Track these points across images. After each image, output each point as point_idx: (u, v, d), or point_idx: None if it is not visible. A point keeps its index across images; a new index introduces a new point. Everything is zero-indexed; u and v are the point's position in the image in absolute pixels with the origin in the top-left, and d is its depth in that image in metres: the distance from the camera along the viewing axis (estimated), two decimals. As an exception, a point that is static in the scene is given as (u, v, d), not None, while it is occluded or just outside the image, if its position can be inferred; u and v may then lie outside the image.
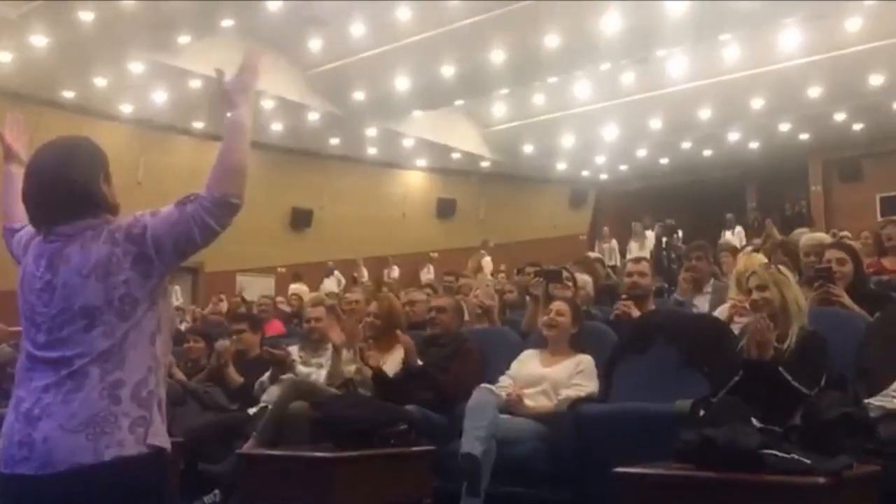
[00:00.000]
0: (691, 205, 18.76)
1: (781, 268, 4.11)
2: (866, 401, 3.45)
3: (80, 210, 2.20)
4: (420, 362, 5.14)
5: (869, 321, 4.27)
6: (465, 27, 12.65)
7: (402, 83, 14.48)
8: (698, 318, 5.08)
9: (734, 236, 15.58)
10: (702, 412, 3.53)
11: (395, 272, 17.93)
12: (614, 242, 18.23)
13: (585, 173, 20.88)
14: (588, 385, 4.66)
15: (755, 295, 3.90)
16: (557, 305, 5.01)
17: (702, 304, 5.78)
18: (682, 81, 15.07)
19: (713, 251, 7.08)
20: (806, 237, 6.17)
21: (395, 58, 13.70)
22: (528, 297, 6.11)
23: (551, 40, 12.81)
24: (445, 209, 20.13)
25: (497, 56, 13.37)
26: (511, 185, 20.15)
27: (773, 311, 3.80)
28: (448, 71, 13.92)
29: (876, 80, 14.33)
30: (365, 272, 17.61)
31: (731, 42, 14.03)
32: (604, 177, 21.25)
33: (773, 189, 19.45)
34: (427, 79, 14.33)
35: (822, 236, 6.28)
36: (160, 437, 2.16)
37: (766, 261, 5.01)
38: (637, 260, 6.09)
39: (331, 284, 16.21)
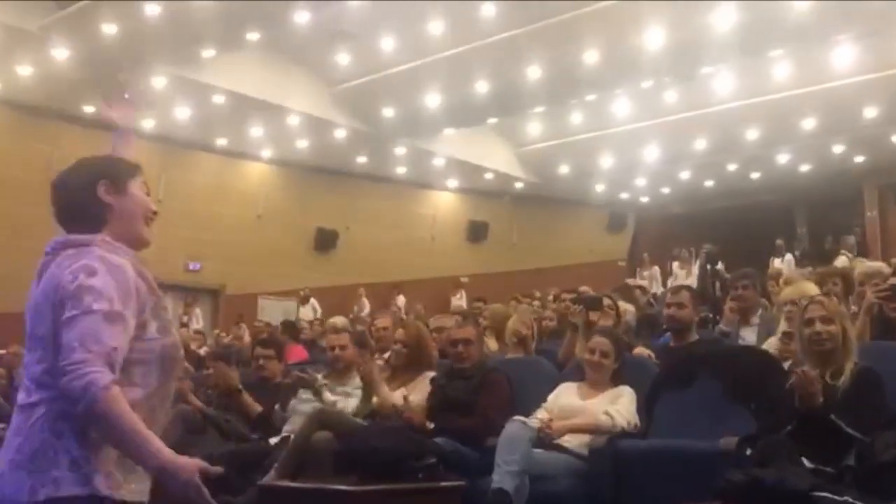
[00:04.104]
0: (737, 230, 18.19)
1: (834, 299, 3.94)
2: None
3: (73, 220, 2.13)
4: (430, 424, 4.87)
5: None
6: (499, 42, 12.45)
7: (432, 100, 14.31)
8: (745, 351, 5.05)
9: (784, 264, 15.09)
10: (749, 451, 3.46)
11: (401, 301, 17.58)
12: (655, 269, 17.90)
13: (625, 196, 20.61)
14: (628, 413, 4.51)
15: (818, 327, 3.67)
16: (601, 345, 4.75)
17: (749, 335, 5.64)
18: (728, 100, 14.70)
19: (761, 279, 6.86)
20: (864, 265, 6.00)
21: (426, 73, 13.54)
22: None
23: (590, 56, 12.54)
24: (477, 232, 19.93)
25: (533, 72, 13.13)
26: (546, 207, 19.91)
27: (835, 347, 3.59)
28: (481, 87, 13.74)
29: (935, 99, 13.91)
30: (402, 298, 17.42)
31: (781, 59, 13.60)
32: (644, 199, 20.96)
33: (824, 214, 18.96)
34: (459, 96, 14.16)
35: (881, 265, 6.04)
36: (112, 486, 1.95)
37: (817, 290, 4.83)
38: (676, 290, 5.82)
39: (307, 312, 15.80)
